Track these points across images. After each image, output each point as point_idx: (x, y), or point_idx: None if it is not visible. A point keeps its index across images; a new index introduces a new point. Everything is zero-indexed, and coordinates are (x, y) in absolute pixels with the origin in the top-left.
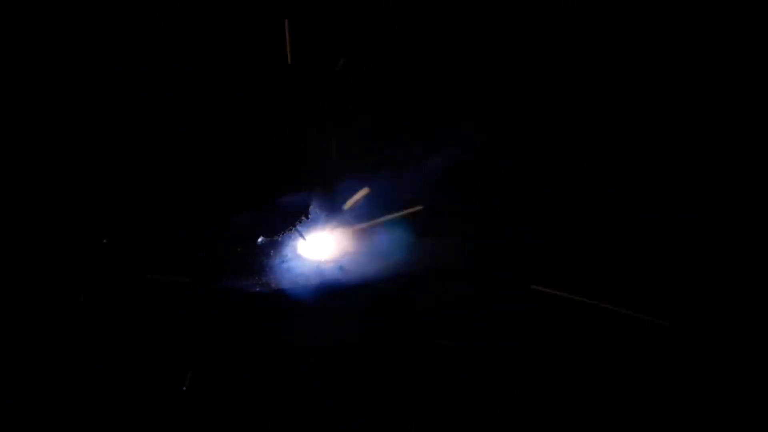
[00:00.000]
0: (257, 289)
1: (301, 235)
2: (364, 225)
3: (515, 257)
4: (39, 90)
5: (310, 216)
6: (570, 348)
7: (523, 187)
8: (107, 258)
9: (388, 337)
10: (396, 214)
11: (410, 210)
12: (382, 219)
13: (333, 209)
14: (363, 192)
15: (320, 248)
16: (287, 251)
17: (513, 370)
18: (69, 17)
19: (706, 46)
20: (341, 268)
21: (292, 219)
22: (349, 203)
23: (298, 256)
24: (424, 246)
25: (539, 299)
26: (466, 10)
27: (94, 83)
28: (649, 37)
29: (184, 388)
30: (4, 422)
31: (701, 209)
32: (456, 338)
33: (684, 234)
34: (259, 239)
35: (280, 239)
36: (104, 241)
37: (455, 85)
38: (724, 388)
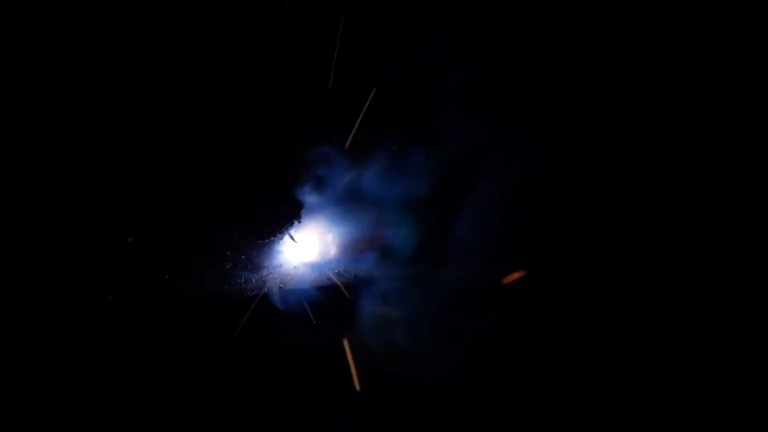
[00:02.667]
0: (252, 292)
1: (292, 238)
2: (360, 226)
3: (515, 258)
4: (39, 90)
5: (302, 220)
6: (569, 348)
7: (523, 187)
8: (119, 258)
9: (386, 338)
10: (393, 214)
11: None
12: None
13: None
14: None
15: (312, 251)
16: (280, 254)
17: (513, 370)
18: (69, 17)
19: (706, 46)
20: (338, 271)
21: (285, 222)
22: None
23: (291, 259)
24: (422, 245)
25: (539, 299)
26: (466, 10)
27: (94, 83)
28: (649, 37)
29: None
30: (4, 422)
31: (701, 209)
32: (455, 337)
33: (684, 234)
34: (257, 241)
35: (274, 241)
36: (129, 239)
37: (455, 85)
38: (723, 388)
